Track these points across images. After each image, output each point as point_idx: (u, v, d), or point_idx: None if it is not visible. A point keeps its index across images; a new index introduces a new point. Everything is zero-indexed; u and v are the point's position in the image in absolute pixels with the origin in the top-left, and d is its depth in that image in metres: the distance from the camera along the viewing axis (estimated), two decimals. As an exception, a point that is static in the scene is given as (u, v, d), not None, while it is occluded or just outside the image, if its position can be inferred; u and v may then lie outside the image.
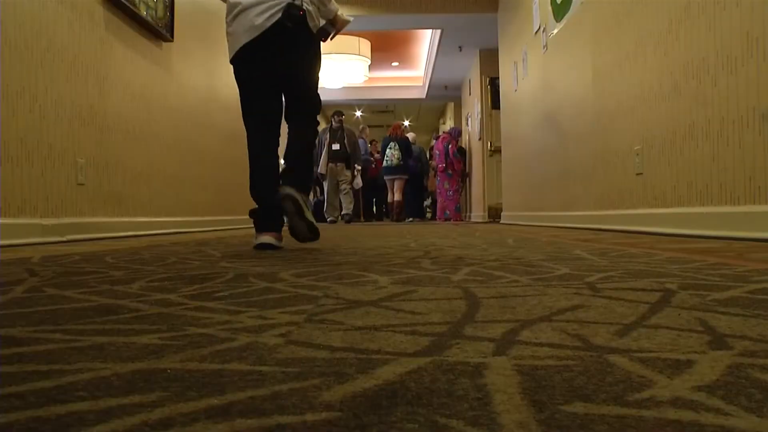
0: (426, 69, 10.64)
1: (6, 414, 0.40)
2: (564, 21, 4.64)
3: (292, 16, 2.15)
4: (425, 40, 9.46)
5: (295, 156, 2.30)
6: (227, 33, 2.27)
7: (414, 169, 9.42)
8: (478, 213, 9.13)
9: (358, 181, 8.45)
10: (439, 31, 8.16)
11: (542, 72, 5.36)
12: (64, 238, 2.97)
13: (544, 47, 5.23)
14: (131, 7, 3.72)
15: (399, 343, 0.61)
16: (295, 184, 2.14)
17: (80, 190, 3.23)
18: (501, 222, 7.15)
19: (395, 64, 11.10)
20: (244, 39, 2.18)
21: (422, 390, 0.44)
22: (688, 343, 0.58)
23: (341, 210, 8.57)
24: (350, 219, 8.32)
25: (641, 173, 3.31)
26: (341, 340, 0.62)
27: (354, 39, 9.21)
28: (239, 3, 2.20)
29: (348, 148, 8.24)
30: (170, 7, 4.34)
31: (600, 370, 0.49)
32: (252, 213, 2.28)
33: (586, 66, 4.15)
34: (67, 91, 3.10)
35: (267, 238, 2.18)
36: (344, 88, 10.70)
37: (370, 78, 10.51)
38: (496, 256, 1.73)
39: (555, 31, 4.88)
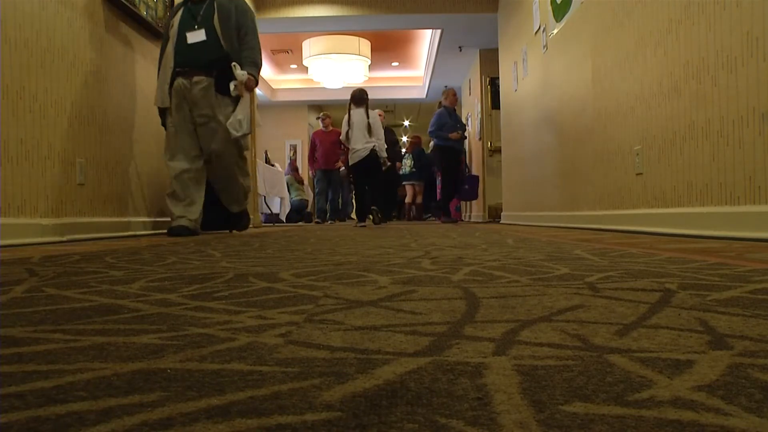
0: (426, 69, 10.64)
1: (6, 414, 0.40)
2: (564, 21, 4.64)
3: (371, 152, 5.76)
4: (425, 40, 9.46)
5: (374, 201, 6.04)
6: (349, 157, 5.94)
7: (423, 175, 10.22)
8: (478, 213, 9.13)
9: (242, 114, 3.60)
10: (439, 31, 8.15)
11: (542, 72, 5.36)
12: (64, 238, 2.96)
13: (544, 47, 5.23)
14: (131, 7, 3.72)
15: (399, 343, 0.61)
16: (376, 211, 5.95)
17: (80, 190, 3.23)
18: (501, 222, 7.15)
19: (395, 64, 11.10)
20: (353, 162, 5.83)
21: (422, 390, 0.44)
22: (688, 343, 0.58)
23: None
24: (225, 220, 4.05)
25: (641, 173, 3.31)
26: (341, 340, 0.62)
27: (354, 39, 9.20)
28: (355, 148, 5.76)
29: (224, 41, 3.57)
30: (170, 7, 4.34)
31: (600, 370, 0.49)
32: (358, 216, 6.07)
33: (586, 66, 4.15)
34: (67, 91, 3.10)
35: (363, 223, 5.83)
36: (344, 87, 10.71)
37: (370, 78, 10.51)
38: (496, 256, 1.73)
39: (555, 31, 4.88)
